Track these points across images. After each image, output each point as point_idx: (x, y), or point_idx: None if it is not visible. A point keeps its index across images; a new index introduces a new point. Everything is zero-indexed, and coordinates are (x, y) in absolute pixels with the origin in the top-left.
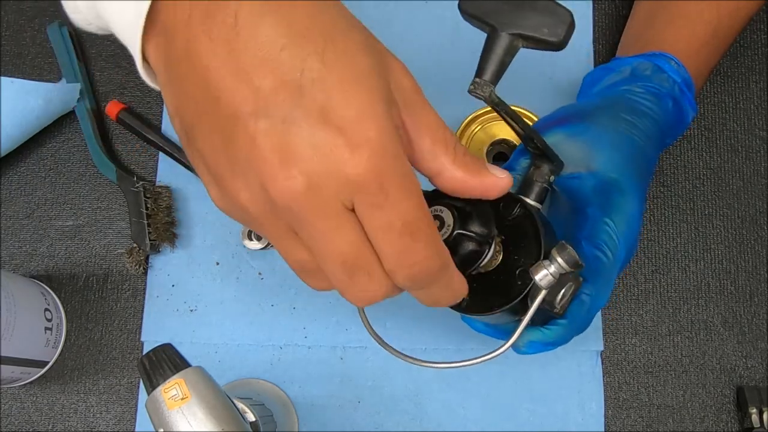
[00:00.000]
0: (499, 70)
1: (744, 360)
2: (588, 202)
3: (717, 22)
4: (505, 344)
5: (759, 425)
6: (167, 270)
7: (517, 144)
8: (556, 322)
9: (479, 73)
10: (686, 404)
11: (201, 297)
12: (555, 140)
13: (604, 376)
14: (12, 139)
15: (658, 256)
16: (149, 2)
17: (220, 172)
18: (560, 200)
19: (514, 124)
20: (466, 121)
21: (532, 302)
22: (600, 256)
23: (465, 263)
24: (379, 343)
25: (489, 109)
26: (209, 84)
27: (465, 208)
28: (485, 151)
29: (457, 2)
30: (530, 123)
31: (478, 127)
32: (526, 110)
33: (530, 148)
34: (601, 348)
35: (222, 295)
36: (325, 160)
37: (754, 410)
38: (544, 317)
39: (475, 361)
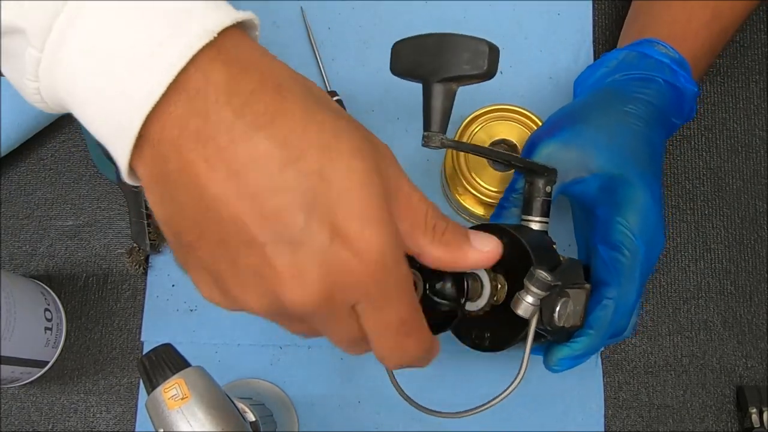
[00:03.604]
0: (443, 117)
1: (744, 360)
2: (596, 204)
3: (715, 6)
4: (512, 384)
5: (759, 425)
6: (167, 270)
7: (517, 143)
8: (582, 333)
9: (426, 125)
10: (686, 404)
11: (201, 297)
12: (549, 151)
13: (604, 376)
14: (12, 139)
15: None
16: (139, 124)
17: (227, 281)
18: (575, 208)
19: (483, 155)
20: (466, 121)
21: (528, 334)
22: (617, 256)
23: (453, 303)
24: (410, 403)
25: (489, 109)
26: (211, 208)
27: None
28: None
29: (457, 2)
30: (531, 123)
31: (479, 127)
32: (526, 110)
33: (516, 169)
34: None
35: None
36: (335, 274)
37: (754, 410)
38: (568, 332)
39: (497, 400)
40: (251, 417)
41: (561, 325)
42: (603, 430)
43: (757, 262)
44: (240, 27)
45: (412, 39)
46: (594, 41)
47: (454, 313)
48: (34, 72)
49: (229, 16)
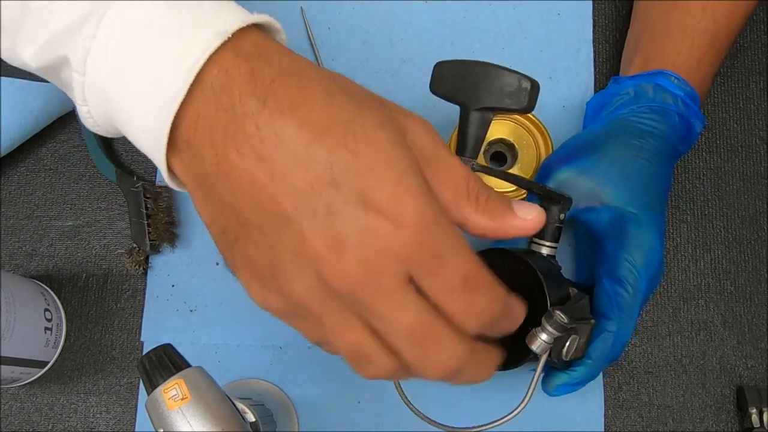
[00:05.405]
0: (476, 144)
1: (744, 360)
2: (605, 236)
3: (714, 30)
4: (516, 409)
5: (759, 425)
6: (167, 270)
7: (514, 143)
8: (581, 362)
9: (460, 150)
10: (686, 404)
11: (201, 297)
12: (566, 177)
13: (604, 376)
14: (12, 139)
15: None
16: (168, 128)
17: (270, 271)
18: (581, 232)
19: (509, 181)
20: None
21: (537, 367)
22: (621, 292)
23: None
24: (419, 416)
25: None
26: (248, 194)
27: None
28: (482, 150)
29: (457, 2)
30: (529, 124)
31: None
32: None
33: (535, 195)
34: None
35: (222, 295)
36: (374, 242)
37: (754, 410)
38: (568, 361)
39: (507, 418)
40: (251, 417)
41: (567, 359)
42: (603, 430)
43: (757, 262)
44: (260, 30)
45: (455, 62)
46: (594, 41)
47: None
48: (82, 96)
49: (242, 18)
